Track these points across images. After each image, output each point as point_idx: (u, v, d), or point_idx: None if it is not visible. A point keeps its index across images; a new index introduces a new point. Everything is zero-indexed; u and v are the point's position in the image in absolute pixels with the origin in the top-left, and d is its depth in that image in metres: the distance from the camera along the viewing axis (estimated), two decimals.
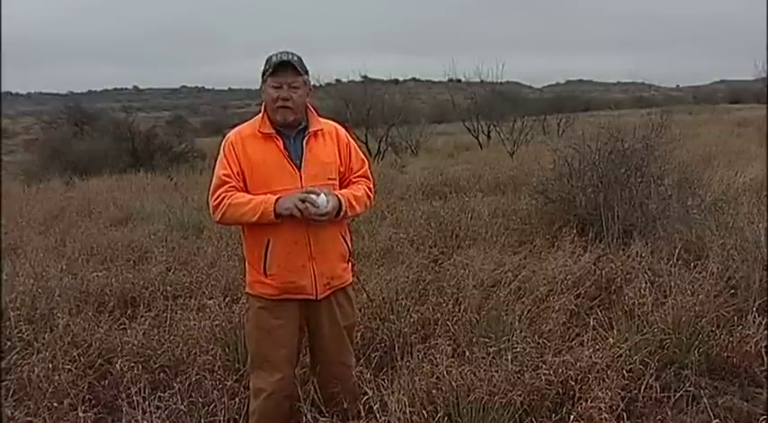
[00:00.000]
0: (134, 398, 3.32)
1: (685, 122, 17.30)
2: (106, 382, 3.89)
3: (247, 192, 2.88)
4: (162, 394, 3.39)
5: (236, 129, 2.99)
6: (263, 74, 2.92)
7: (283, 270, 2.92)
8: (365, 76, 26.52)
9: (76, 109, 26.39)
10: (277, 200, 2.78)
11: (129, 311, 4.88)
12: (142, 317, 4.54)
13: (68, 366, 3.76)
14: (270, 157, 2.91)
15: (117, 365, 3.84)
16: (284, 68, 2.88)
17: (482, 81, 23.58)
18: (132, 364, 3.81)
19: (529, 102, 26.79)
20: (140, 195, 11.79)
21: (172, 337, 4.18)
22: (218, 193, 2.84)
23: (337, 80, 25.06)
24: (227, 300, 4.63)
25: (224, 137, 3.02)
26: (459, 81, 26.95)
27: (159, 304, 4.87)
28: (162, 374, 3.89)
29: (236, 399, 3.41)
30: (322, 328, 3.08)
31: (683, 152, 7.75)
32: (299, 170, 2.93)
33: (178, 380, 3.61)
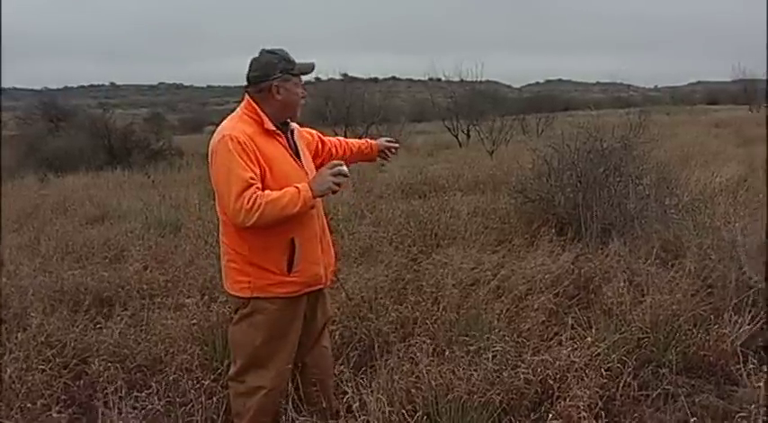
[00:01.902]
0: (110, 398, 3.27)
1: (663, 123, 17.49)
2: (81, 382, 3.84)
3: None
4: (138, 394, 3.33)
5: (232, 126, 2.86)
6: (287, 72, 2.91)
7: (310, 264, 2.97)
8: (345, 75, 26.56)
9: (52, 105, 26.07)
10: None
11: (105, 310, 4.82)
12: (118, 316, 4.49)
13: (42, 366, 3.70)
14: (280, 155, 2.91)
15: (93, 365, 3.80)
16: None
17: (462, 80, 23.71)
18: (108, 364, 3.76)
19: (508, 101, 27.02)
20: (117, 193, 11.68)
21: (149, 337, 4.14)
22: (246, 195, 2.69)
23: (317, 78, 25.00)
24: (204, 298, 4.58)
25: (212, 135, 2.91)
26: (439, 80, 27.09)
27: (136, 303, 4.82)
28: (138, 374, 3.85)
29: (214, 398, 3.36)
30: (317, 316, 3.17)
31: (661, 152, 7.81)
32: (303, 165, 3.00)
33: (155, 379, 3.58)
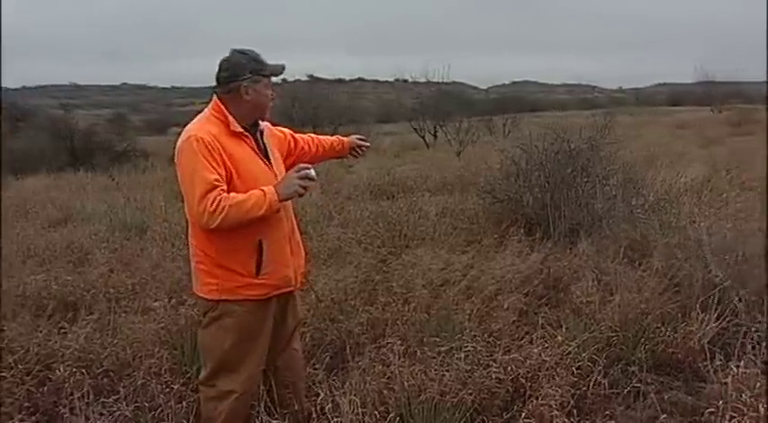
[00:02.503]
0: (76, 404, 3.21)
1: (628, 124, 17.79)
2: (45, 388, 3.72)
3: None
4: (106, 400, 3.28)
5: (198, 127, 2.81)
6: (257, 73, 2.86)
7: (279, 266, 2.92)
8: (311, 76, 26.50)
9: (11, 105, 25.52)
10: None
11: (69, 315, 4.69)
12: (84, 320, 4.38)
13: (3, 373, 3.62)
14: (247, 156, 2.87)
15: (57, 371, 3.69)
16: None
17: (428, 81, 23.81)
18: (74, 370, 3.65)
19: (475, 102, 27.17)
20: (80, 195, 11.46)
21: (116, 341, 4.05)
22: (210, 197, 2.64)
23: (283, 80, 24.90)
24: (172, 301, 4.52)
25: (179, 136, 2.85)
26: (406, 81, 27.18)
27: (102, 307, 4.71)
28: (105, 379, 3.75)
29: (184, 402, 3.31)
30: (287, 318, 3.14)
31: (627, 153, 7.93)
32: (272, 167, 2.95)
33: (123, 384, 3.51)
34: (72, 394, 3.33)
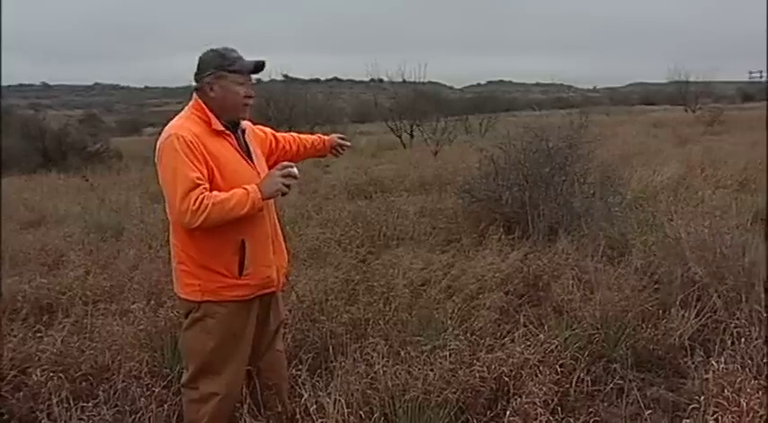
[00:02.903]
0: (54, 409, 3.15)
1: (603, 123, 17.94)
2: (21, 394, 3.65)
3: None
4: (85, 404, 3.21)
5: (179, 125, 2.76)
6: (221, 68, 2.80)
7: (261, 267, 2.89)
8: (286, 76, 26.36)
9: None
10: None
11: (45, 318, 4.60)
12: (60, 323, 4.30)
13: None
14: (229, 155, 2.83)
15: (34, 376, 3.62)
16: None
17: (404, 81, 23.82)
18: (51, 374, 3.59)
19: (451, 102, 27.22)
20: (53, 197, 11.29)
21: (94, 344, 3.97)
22: (192, 196, 2.60)
23: (258, 79, 24.72)
24: (151, 303, 4.46)
25: (156, 136, 2.81)
26: (381, 81, 27.15)
27: (78, 310, 4.63)
28: (84, 383, 3.67)
29: (165, 405, 3.26)
30: (270, 319, 3.11)
31: (604, 151, 7.99)
32: (254, 165, 2.92)
33: (102, 388, 3.44)
34: (49, 399, 3.27)
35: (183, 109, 2.91)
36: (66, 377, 3.63)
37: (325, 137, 3.58)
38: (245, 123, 3.04)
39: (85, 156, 18.99)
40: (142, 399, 3.29)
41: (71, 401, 3.25)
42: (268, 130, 3.32)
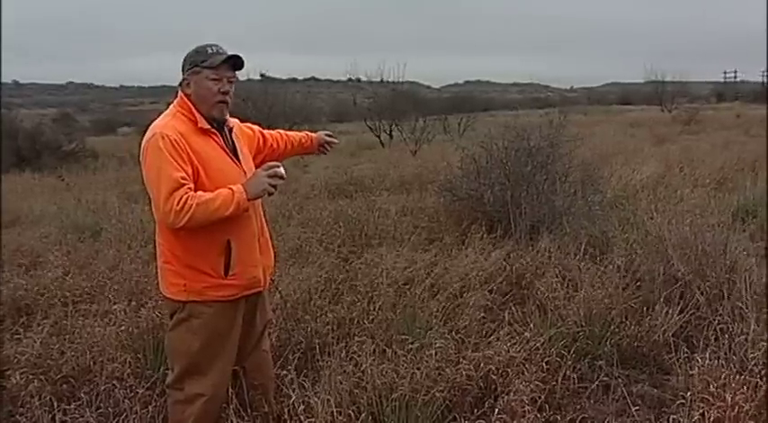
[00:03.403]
0: (35, 412, 3.09)
1: (581, 122, 18.06)
2: (0, 397, 3.59)
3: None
4: (67, 407, 3.16)
5: (164, 124, 2.72)
6: (195, 64, 2.77)
7: (247, 267, 2.86)
8: (263, 75, 26.19)
9: None
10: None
11: (23, 320, 4.52)
12: (39, 325, 4.23)
13: None
14: (215, 154, 2.79)
15: (13, 379, 3.55)
16: (226, 62, 2.79)
17: (382, 80, 23.79)
18: (31, 377, 3.52)
19: (429, 101, 27.25)
20: (28, 197, 11.12)
21: (75, 346, 3.90)
22: (177, 195, 2.56)
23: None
24: (132, 304, 4.40)
25: (143, 134, 2.77)
26: (359, 80, 27.10)
27: (58, 311, 4.56)
28: (65, 386, 3.61)
29: (150, 407, 3.21)
30: (256, 319, 3.09)
31: (585, 150, 8.04)
32: (240, 165, 2.88)
33: (84, 390, 3.39)
34: (30, 402, 3.21)
35: (163, 107, 2.88)
36: (47, 379, 3.57)
37: (313, 134, 3.56)
38: (233, 121, 3.01)
39: (60, 155, 18.71)
40: (126, 400, 3.24)
41: (54, 404, 3.19)
42: (256, 127, 3.29)
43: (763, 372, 3.19)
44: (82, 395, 3.29)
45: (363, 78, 25.66)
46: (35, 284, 5.13)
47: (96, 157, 19.01)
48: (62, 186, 12.12)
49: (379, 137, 22.47)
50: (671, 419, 3.00)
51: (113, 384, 3.42)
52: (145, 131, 2.79)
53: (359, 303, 4.45)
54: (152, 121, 2.81)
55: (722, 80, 63.43)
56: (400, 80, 23.94)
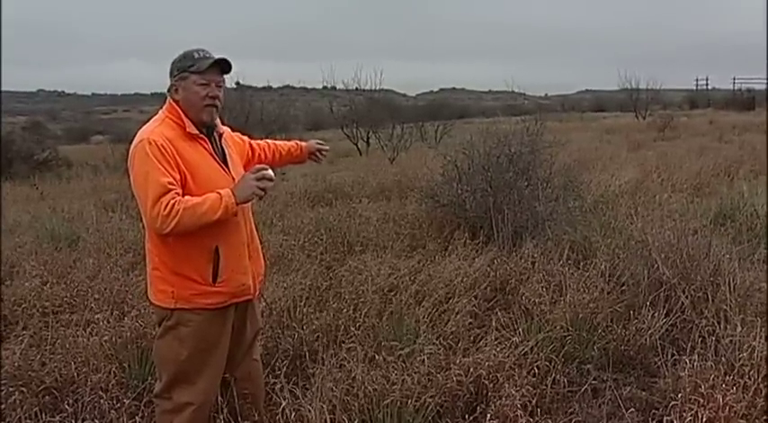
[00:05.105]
0: None
1: (557, 129, 18.12)
2: None
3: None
4: (51, 419, 3.09)
5: (151, 129, 2.70)
6: (182, 70, 2.74)
7: (236, 274, 2.82)
8: (238, 83, 26.05)
9: None
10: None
11: (1, 331, 4.43)
12: (18, 336, 4.16)
13: None
14: (203, 160, 2.76)
15: None
16: (213, 66, 2.76)
17: (357, 88, 23.77)
18: (11, 389, 3.43)
19: (404, 109, 27.29)
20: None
21: (56, 356, 3.83)
22: (164, 201, 2.53)
23: None
24: (114, 313, 4.33)
25: (131, 142, 2.72)
26: (335, 88, 27.05)
27: (36, 321, 4.47)
28: (48, 397, 3.54)
29: (136, 417, 3.16)
30: (246, 327, 3.04)
31: (564, 157, 8.09)
32: (229, 171, 2.85)
33: (68, 402, 3.32)
34: (11, 415, 3.13)
35: (136, 116, 2.85)
36: (29, 391, 3.49)
37: (303, 143, 3.53)
38: (223, 128, 2.98)
39: (33, 164, 18.39)
40: (112, 411, 3.18)
41: (38, 415, 3.12)
42: (245, 138, 3.27)
43: (751, 372, 3.21)
44: (66, 407, 3.23)
45: (340, 86, 25.61)
46: (12, 295, 5.03)
47: (70, 165, 18.74)
48: (36, 195, 11.93)
49: (356, 144, 22.44)
50: (664, 421, 3.01)
51: (99, 395, 3.35)
52: (129, 140, 2.76)
53: (345, 310, 4.43)
54: (139, 128, 2.77)
55: (694, 87, 64.30)
56: (376, 88, 23.95)
